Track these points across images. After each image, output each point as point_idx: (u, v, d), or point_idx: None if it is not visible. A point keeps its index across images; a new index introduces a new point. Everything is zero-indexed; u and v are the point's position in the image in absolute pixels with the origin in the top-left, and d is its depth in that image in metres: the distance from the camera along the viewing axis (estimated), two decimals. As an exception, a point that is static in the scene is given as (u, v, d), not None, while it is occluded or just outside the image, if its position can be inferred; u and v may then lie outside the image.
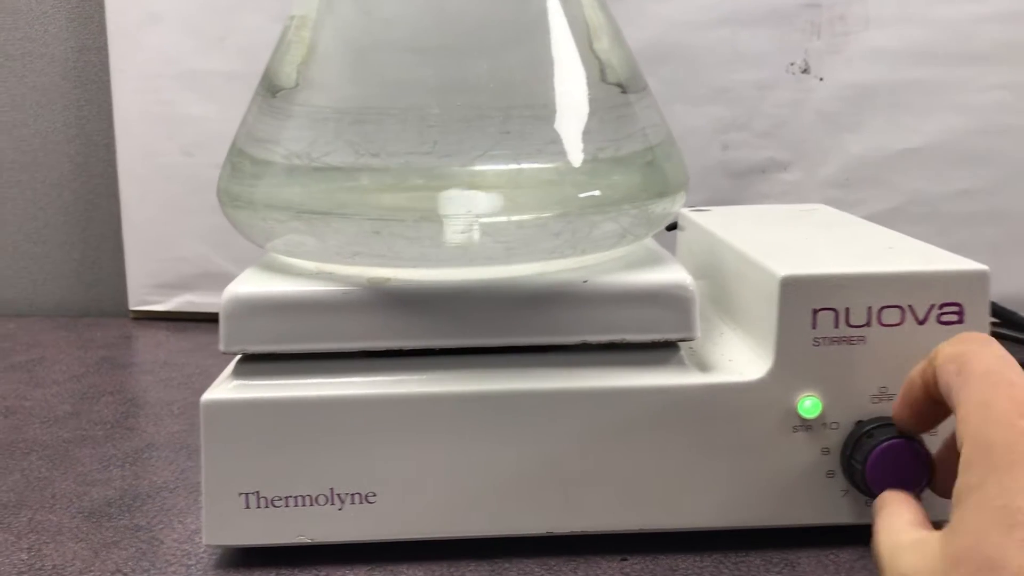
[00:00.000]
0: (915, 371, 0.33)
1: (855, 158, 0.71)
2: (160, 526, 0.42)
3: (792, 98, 0.71)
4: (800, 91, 0.71)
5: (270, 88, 0.42)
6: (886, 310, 0.37)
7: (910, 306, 0.37)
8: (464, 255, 0.37)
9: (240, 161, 0.41)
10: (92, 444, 0.52)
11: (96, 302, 0.82)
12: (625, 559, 0.38)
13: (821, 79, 0.70)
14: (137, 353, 0.70)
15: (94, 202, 0.81)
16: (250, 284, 0.39)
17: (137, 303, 0.79)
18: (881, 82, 0.70)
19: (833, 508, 0.39)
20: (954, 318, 0.38)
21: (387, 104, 0.39)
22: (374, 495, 0.38)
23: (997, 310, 0.54)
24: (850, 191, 0.71)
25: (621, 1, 0.69)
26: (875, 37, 0.69)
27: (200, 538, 0.41)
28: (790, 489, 0.38)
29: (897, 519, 0.32)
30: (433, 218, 0.37)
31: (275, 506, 0.38)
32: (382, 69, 0.40)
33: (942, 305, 0.37)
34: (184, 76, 0.74)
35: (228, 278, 0.41)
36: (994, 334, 0.63)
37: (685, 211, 0.54)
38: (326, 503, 0.38)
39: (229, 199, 0.41)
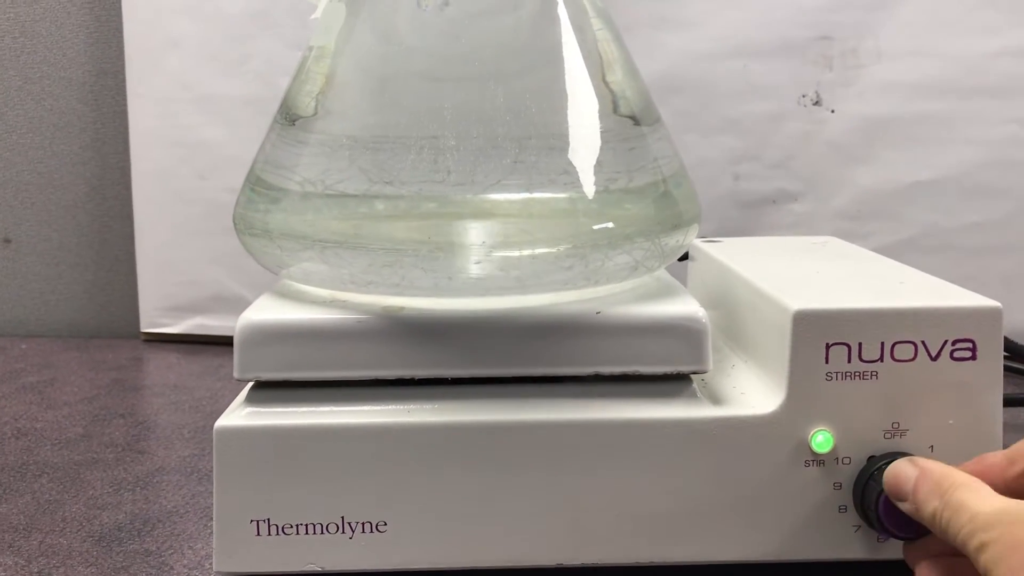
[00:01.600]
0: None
1: (866, 190, 0.71)
2: (170, 551, 0.42)
3: (803, 130, 0.71)
4: (812, 123, 0.71)
5: (288, 116, 0.43)
6: (899, 345, 0.37)
7: (923, 342, 0.37)
8: (477, 286, 0.37)
9: (257, 188, 0.42)
10: (103, 467, 0.52)
11: (108, 323, 0.83)
12: (635, 592, 0.38)
13: (833, 111, 0.71)
14: (148, 375, 0.71)
15: (108, 224, 0.82)
16: (264, 311, 0.39)
17: (149, 325, 0.79)
18: (892, 115, 0.70)
19: (845, 543, 0.38)
20: (967, 354, 0.38)
21: (403, 133, 0.39)
22: (385, 524, 0.38)
23: (1008, 344, 0.54)
24: (861, 223, 0.71)
25: (635, 32, 0.69)
26: (887, 70, 0.70)
27: (210, 564, 0.41)
28: (802, 524, 0.38)
29: (980, 489, 0.31)
30: (447, 249, 0.37)
31: (286, 534, 0.38)
32: (399, 99, 0.41)
33: (955, 341, 0.37)
34: (201, 100, 0.75)
35: (241, 302, 0.41)
36: (1005, 368, 0.63)
37: (697, 241, 0.54)
38: (337, 532, 0.38)
39: (245, 226, 0.41)
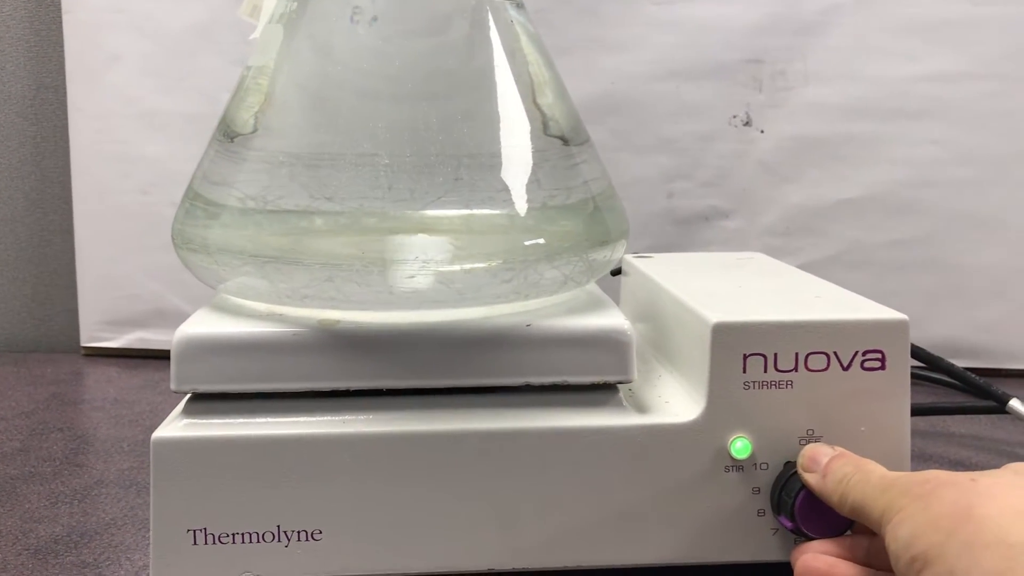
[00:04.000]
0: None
1: (794, 207, 0.74)
2: (107, 563, 0.43)
3: (734, 149, 0.74)
4: (742, 143, 0.74)
5: (227, 133, 0.43)
6: (812, 356, 0.39)
7: (835, 352, 0.39)
8: (413, 299, 0.39)
9: (195, 203, 0.42)
10: (40, 481, 0.52)
11: (47, 338, 0.82)
12: (564, 595, 0.40)
13: (762, 131, 0.73)
14: (88, 390, 0.71)
15: (47, 239, 0.81)
16: (201, 325, 0.40)
17: (89, 339, 0.79)
18: (819, 135, 0.73)
19: (764, 546, 0.40)
20: (876, 364, 0.40)
21: (341, 150, 0.40)
22: (320, 533, 0.39)
23: (925, 356, 0.57)
24: (789, 239, 0.74)
25: (573, 55, 0.71)
26: (814, 92, 0.73)
27: (147, 574, 0.41)
28: (723, 527, 0.40)
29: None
30: (383, 264, 0.38)
31: (223, 543, 0.39)
32: (336, 116, 0.42)
33: (865, 352, 0.40)
34: (142, 116, 0.75)
35: (181, 316, 0.42)
36: (923, 378, 0.66)
37: (628, 257, 0.56)
38: (273, 540, 0.39)
39: (183, 241, 0.42)
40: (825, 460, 0.37)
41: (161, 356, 0.77)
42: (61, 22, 0.76)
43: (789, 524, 0.38)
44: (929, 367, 0.58)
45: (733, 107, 0.73)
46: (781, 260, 0.55)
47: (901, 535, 0.30)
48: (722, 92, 0.73)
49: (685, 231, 0.75)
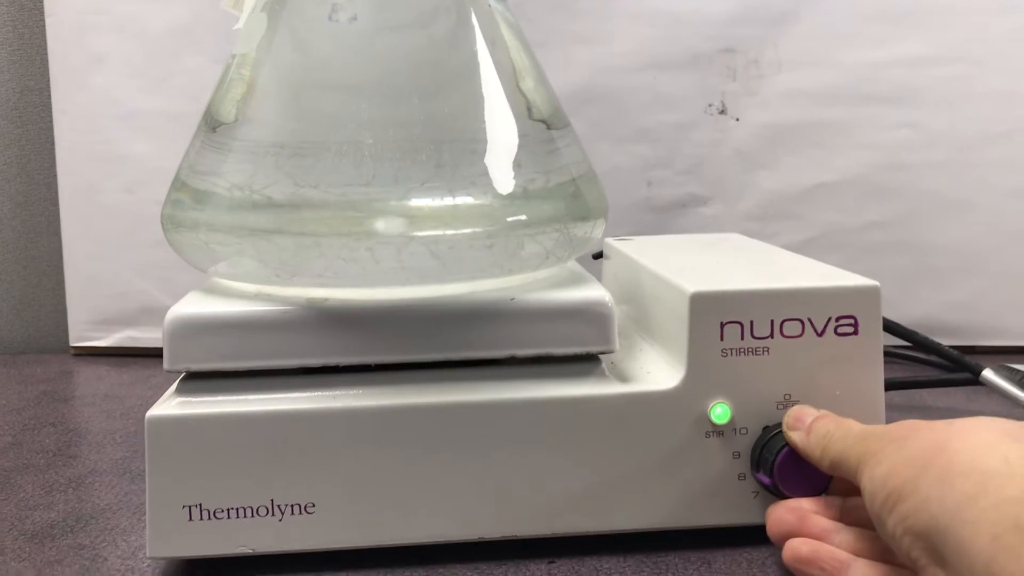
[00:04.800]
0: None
1: (770, 193, 0.75)
2: (103, 544, 0.43)
3: (711, 138, 0.75)
4: (718, 131, 0.75)
5: (211, 123, 0.44)
6: (787, 323, 0.41)
7: (809, 319, 0.41)
8: (399, 275, 0.40)
9: (182, 191, 0.43)
10: (34, 472, 0.53)
11: (36, 339, 0.83)
12: (552, 562, 0.41)
13: (737, 119, 0.75)
14: (78, 387, 0.71)
15: (35, 240, 0.82)
16: (193, 305, 0.41)
17: (78, 339, 0.79)
18: (793, 122, 0.74)
19: (745, 509, 0.41)
20: (850, 330, 0.41)
21: (324, 139, 0.41)
22: (313, 506, 0.40)
23: (900, 330, 0.58)
24: (766, 224, 0.75)
25: (549, 47, 0.73)
26: (787, 80, 0.74)
27: (144, 554, 0.42)
28: (705, 492, 0.41)
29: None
30: (369, 237, 0.39)
31: (217, 518, 0.39)
32: (318, 105, 0.43)
33: (838, 318, 0.41)
34: (127, 116, 0.76)
35: (170, 313, 0.43)
36: (900, 356, 0.67)
37: (609, 240, 0.57)
38: (267, 514, 0.40)
39: (172, 224, 0.43)
40: (810, 420, 0.38)
41: (150, 354, 0.78)
42: (44, 24, 0.77)
43: (767, 480, 0.39)
44: (905, 341, 0.59)
45: (708, 96, 0.75)
46: (758, 240, 0.56)
47: (877, 475, 0.31)
48: (697, 82, 0.74)
49: (664, 219, 0.76)
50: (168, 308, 0.41)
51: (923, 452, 0.30)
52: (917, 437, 0.31)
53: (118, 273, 0.78)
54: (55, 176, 0.78)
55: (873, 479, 0.31)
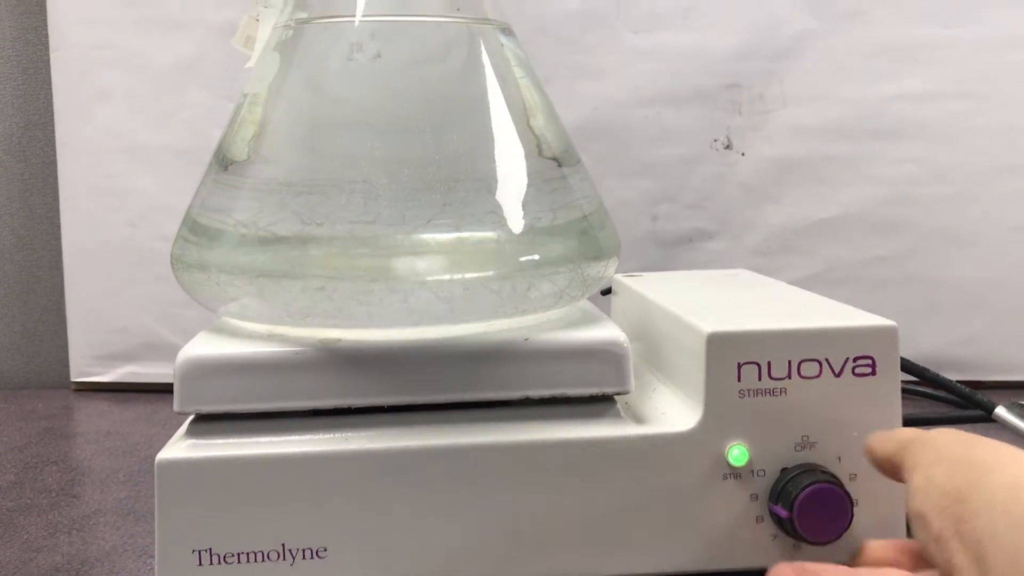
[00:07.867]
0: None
1: (776, 227, 0.75)
2: (110, 589, 0.43)
3: (716, 172, 0.75)
4: (723, 165, 0.75)
5: (222, 162, 0.44)
6: (805, 363, 0.40)
7: (827, 359, 0.40)
8: (412, 316, 0.39)
9: (193, 230, 0.43)
10: (37, 512, 0.52)
11: (37, 374, 0.82)
12: (568, 606, 0.40)
13: (743, 154, 0.75)
14: (80, 423, 0.70)
15: (37, 275, 0.82)
16: (204, 346, 0.40)
17: (79, 374, 0.79)
18: (799, 156, 0.75)
19: (763, 552, 0.41)
20: (867, 370, 0.41)
21: (334, 177, 0.41)
22: (325, 550, 0.39)
23: (911, 367, 0.58)
24: (772, 259, 0.75)
25: (555, 82, 0.73)
26: (792, 115, 0.74)
27: (151, 598, 0.41)
28: (722, 535, 0.41)
29: None
30: (381, 279, 0.39)
31: (228, 563, 0.39)
32: (330, 144, 0.43)
33: (856, 358, 0.41)
34: (130, 150, 0.76)
35: (172, 349, 0.42)
36: (911, 392, 0.67)
37: (618, 277, 0.57)
38: (278, 559, 0.39)
39: (182, 265, 0.42)
40: None
41: (152, 389, 0.77)
42: (49, 59, 0.77)
43: (785, 514, 0.39)
44: (916, 378, 0.59)
45: (714, 131, 0.75)
46: (767, 276, 0.56)
47: (937, 473, 0.30)
48: (703, 117, 0.75)
49: (670, 253, 0.76)
50: (170, 343, 0.41)
51: (992, 457, 0.29)
52: (985, 442, 0.30)
53: (120, 308, 0.77)
54: (57, 210, 0.78)
55: (931, 477, 0.30)
